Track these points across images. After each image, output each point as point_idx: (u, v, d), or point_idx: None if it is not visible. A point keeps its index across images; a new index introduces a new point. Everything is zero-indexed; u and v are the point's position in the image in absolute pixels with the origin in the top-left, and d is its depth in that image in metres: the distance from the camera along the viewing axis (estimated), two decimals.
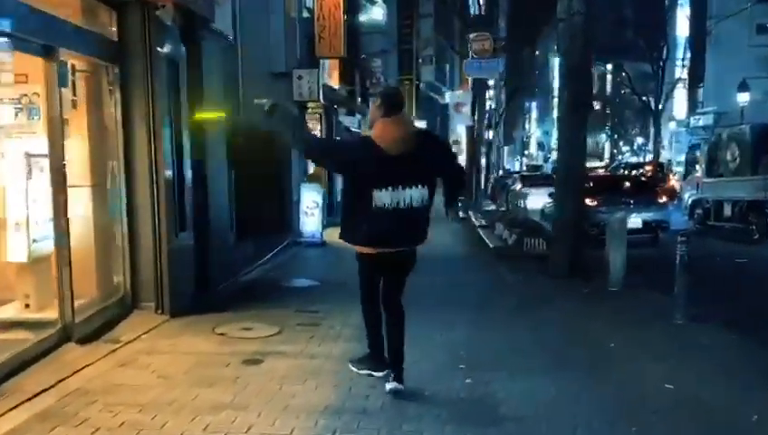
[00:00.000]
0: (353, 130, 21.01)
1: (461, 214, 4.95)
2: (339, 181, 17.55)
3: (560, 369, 4.64)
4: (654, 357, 4.95)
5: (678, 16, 42.14)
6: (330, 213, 16.29)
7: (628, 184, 14.16)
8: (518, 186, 21.62)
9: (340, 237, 4.24)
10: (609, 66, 61.49)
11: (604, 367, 4.72)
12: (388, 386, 4.08)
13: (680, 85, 42.13)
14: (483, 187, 24.52)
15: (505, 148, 59.64)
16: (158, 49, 5.86)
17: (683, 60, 41.52)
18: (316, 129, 15.51)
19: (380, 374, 4.23)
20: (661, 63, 39.23)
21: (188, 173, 6.66)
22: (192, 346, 5.10)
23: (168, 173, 6.03)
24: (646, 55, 41.14)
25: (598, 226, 9.79)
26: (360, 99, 22.93)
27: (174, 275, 6.06)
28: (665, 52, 39.07)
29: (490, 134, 30.89)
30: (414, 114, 32.95)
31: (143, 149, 5.83)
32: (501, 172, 34.72)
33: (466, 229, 15.01)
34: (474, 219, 15.70)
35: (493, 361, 4.85)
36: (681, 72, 40.67)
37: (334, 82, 15.99)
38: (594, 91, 76.09)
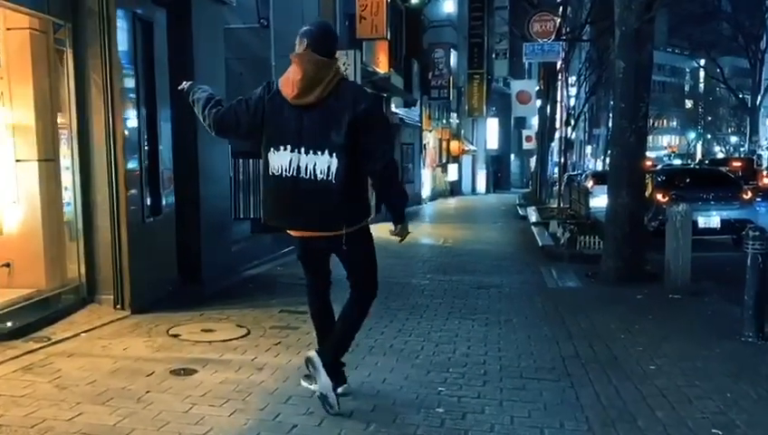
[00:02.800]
0: (409, 122, 20.05)
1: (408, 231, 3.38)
2: None
3: (573, 408, 3.48)
4: (703, 388, 3.70)
5: None
6: (377, 209, 15.45)
7: (706, 179, 12.43)
8: (589, 183, 20.00)
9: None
10: (702, 62, 57.64)
11: (632, 401, 3.53)
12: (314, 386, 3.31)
13: None
14: (550, 186, 22.88)
15: (588, 147, 56.99)
16: (120, 5, 5.09)
17: None
18: None
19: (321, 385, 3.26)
20: (760, 57, 36.26)
21: (166, 155, 5.89)
22: (126, 349, 4.29)
23: (131, 152, 5.26)
24: (742, 49, 38.26)
25: (659, 220, 8.38)
26: (420, 91, 21.96)
27: (138, 265, 5.29)
28: (764, 44, 36.07)
29: (568, 131, 29.00)
30: (484, 111, 31.62)
31: (99, 123, 5.08)
32: (574, 171, 32.75)
33: (519, 227, 13.73)
34: (530, 217, 14.37)
35: (479, 384, 3.76)
36: None
37: (382, 68, 15.05)
38: (686, 89, 72.15)
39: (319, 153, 2.99)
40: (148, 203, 5.57)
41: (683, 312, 5.78)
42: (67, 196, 5.15)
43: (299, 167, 2.99)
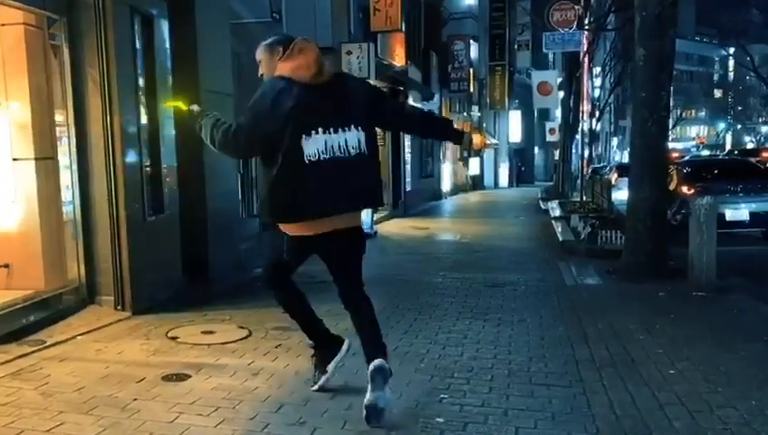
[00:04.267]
0: None
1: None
2: (406, 166, 16.44)
3: (584, 417, 3.26)
4: (726, 395, 3.44)
5: None
6: (395, 204, 15.23)
7: (734, 170, 11.97)
8: (614, 175, 19.55)
9: (267, 220, 3.22)
10: (732, 50, 56.23)
11: (648, 410, 3.29)
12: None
13: None
14: (573, 179, 22.41)
15: (614, 139, 56.05)
16: None
17: None
18: None
19: (345, 347, 3.43)
20: None
21: (169, 152, 5.75)
22: (121, 353, 4.16)
23: (130, 149, 5.13)
24: None
25: (683, 213, 8.05)
26: (439, 85, 21.65)
27: (140, 265, 5.17)
28: None
29: (593, 123, 28.35)
30: (507, 104, 31.15)
31: (97, 121, 4.96)
32: (600, 163, 32.12)
33: (541, 221, 13.41)
34: (552, 211, 14.04)
35: (484, 391, 3.54)
36: None
37: (399, 61, 14.81)
38: (715, 78, 70.50)
39: (347, 129, 3.01)
40: (150, 201, 5.44)
41: (707, 310, 5.49)
42: (66, 195, 5.04)
43: (333, 147, 2.97)
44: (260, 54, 3.23)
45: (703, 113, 69.87)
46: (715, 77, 71.22)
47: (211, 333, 4.69)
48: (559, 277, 7.29)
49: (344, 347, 3.43)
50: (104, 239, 5.07)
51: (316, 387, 3.44)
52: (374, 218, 11.45)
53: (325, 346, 3.45)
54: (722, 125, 66.17)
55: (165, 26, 5.69)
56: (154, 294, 5.38)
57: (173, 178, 5.83)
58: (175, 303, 5.43)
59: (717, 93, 69.06)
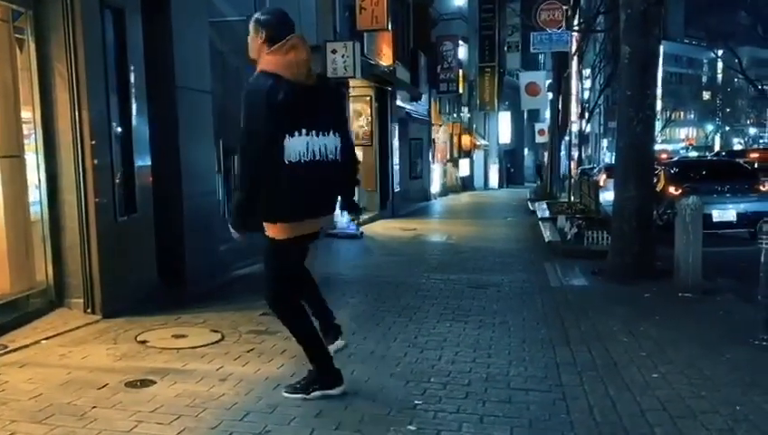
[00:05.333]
0: (416, 117, 19.66)
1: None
2: (394, 167, 16.31)
3: (562, 425, 3.13)
4: (710, 400, 3.32)
5: None
6: (383, 205, 15.08)
7: (721, 170, 11.92)
8: (602, 176, 19.50)
9: (239, 228, 3.14)
10: (720, 52, 56.59)
11: (629, 416, 3.16)
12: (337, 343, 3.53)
13: None
14: (561, 180, 22.35)
15: (604, 140, 56.19)
16: None
17: None
18: (366, 112, 14.27)
19: (338, 391, 3.28)
20: None
21: (142, 150, 5.59)
22: (85, 358, 4.00)
23: (100, 147, 4.96)
24: (761, 38, 37.40)
25: (669, 213, 7.97)
26: (428, 85, 21.54)
27: (110, 266, 5.01)
28: None
29: (583, 124, 28.34)
30: (496, 105, 31.08)
31: (65, 118, 4.79)
32: (590, 165, 32.10)
33: (529, 222, 13.31)
34: (539, 212, 13.94)
35: (460, 397, 3.41)
36: None
37: (386, 61, 14.68)
38: (703, 80, 70.82)
39: (328, 134, 3.02)
40: (122, 201, 5.28)
41: (692, 312, 5.39)
42: (34, 194, 4.87)
43: (314, 151, 2.96)
44: (250, 29, 3.13)
45: (692, 115, 70.19)
46: (704, 79, 71.54)
47: (182, 336, 4.54)
48: (544, 278, 7.18)
49: (338, 391, 3.31)
50: (73, 240, 4.90)
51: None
52: (361, 219, 11.32)
53: (323, 369, 3.28)
54: (710, 127, 66.49)
55: (137, 20, 5.53)
56: (126, 296, 5.21)
57: (146, 176, 5.67)
58: (148, 305, 5.26)
59: (706, 95, 69.37)
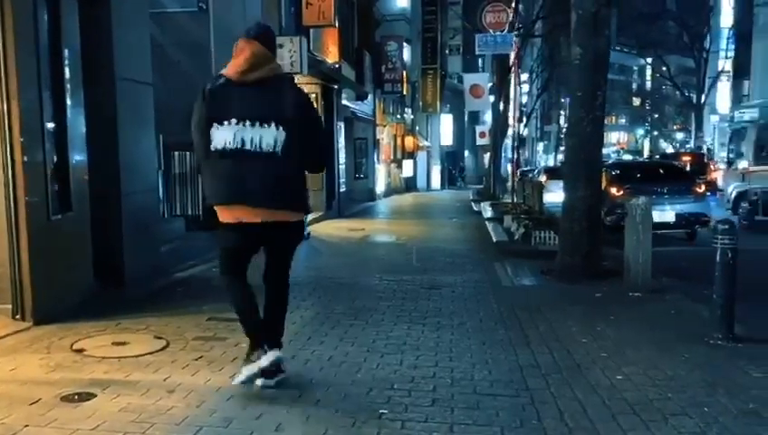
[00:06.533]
0: (361, 116, 19.50)
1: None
2: (340, 166, 16.11)
3: (535, 431, 3.02)
4: (678, 402, 3.29)
5: (723, 5, 39.75)
6: (329, 205, 14.84)
7: (660, 172, 12.27)
8: (542, 178, 19.85)
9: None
10: (650, 60, 58.85)
11: (601, 420, 3.09)
12: (259, 382, 3.33)
13: (723, 78, 39.79)
14: (503, 181, 22.66)
15: (540, 143, 57.53)
16: None
17: (726, 51, 39.19)
18: None
19: (255, 357, 3.37)
20: (704, 55, 37.01)
21: (78, 145, 5.21)
22: (15, 370, 3.65)
23: (31, 142, 4.57)
24: (687, 48, 39.01)
25: (616, 214, 8.11)
26: (373, 85, 21.42)
27: (42, 268, 4.63)
28: (708, 43, 36.81)
29: (521, 127, 28.83)
30: (438, 107, 31.27)
31: None
32: (527, 167, 32.70)
33: (474, 222, 13.36)
34: (485, 212, 14.03)
35: (427, 404, 3.27)
36: (724, 65, 38.27)
37: (332, 58, 14.46)
38: (633, 87, 73.55)
39: (266, 125, 3.09)
40: (55, 199, 4.89)
41: (645, 312, 5.42)
42: None
43: (243, 139, 3.08)
44: None
45: (623, 120, 72.84)
46: (634, 86, 74.29)
47: (123, 344, 4.22)
48: (495, 278, 7.15)
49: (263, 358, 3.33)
50: (1, 240, 4.50)
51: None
52: (308, 220, 11.06)
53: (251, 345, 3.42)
54: (641, 131, 69.12)
55: (74, 7, 5.15)
56: (60, 301, 4.84)
57: (83, 173, 5.29)
58: (84, 311, 4.91)
59: (636, 101, 72.10)
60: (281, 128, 3.10)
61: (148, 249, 6.34)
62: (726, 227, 4.40)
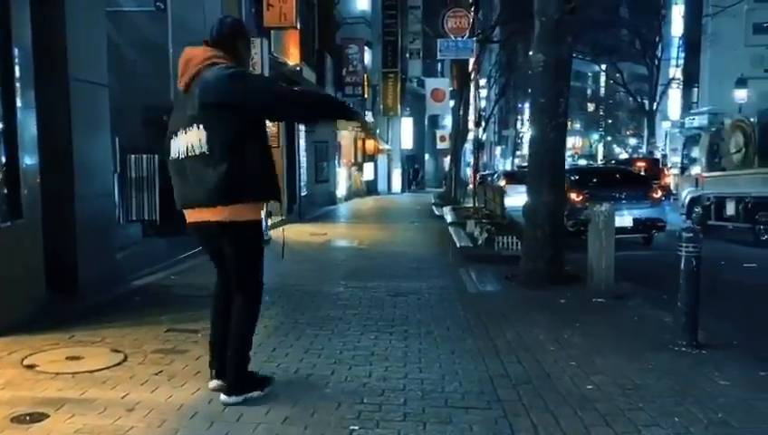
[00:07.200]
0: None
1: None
2: (301, 170, 15.95)
3: None
4: (649, 412, 3.30)
5: (674, 15, 40.97)
6: (290, 209, 14.66)
7: (617, 178, 12.51)
8: (502, 182, 20.06)
9: None
10: (603, 66, 60.25)
11: (575, 433, 3.06)
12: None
13: (674, 85, 41.01)
14: (465, 184, 22.84)
15: (498, 148, 58.22)
16: None
17: (677, 59, 40.42)
18: None
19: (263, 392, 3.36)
20: (656, 63, 37.99)
21: (29, 148, 4.96)
22: None
23: None
24: (640, 55, 39.96)
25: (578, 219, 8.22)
26: (334, 88, 21.29)
27: None
28: (659, 51, 37.82)
29: (480, 132, 29.14)
30: (399, 110, 31.31)
31: None
32: (485, 171, 33.05)
33: (436, 227, 13.37)
34: (447, 217, 14.06)
35: (398, 418, 3.19)
36: (675, 72, 39.47)
37: (293, 60, 14.29)
38: (588, 92, 75.16)
39: (191, 128, 3.13)
40: (4, 204, 4.65)
41: (609, 318, 5.47)
42: None
43: (186, 146, 3.16)
44: None
45: (578, 125, 74.30)
46: (589, 91, 75.87)
47: (78, 358, 4.02)
48: (460, 284, 7.12)
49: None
50: None
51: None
52: (268, 223, 10.87)
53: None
54: (595, 136, 70.62)
55: (25, 6, 4.91)
56: (9, 313, 4.59)
57: (34, 177, 5.04)
58: (36, 323, 4.68)
59: (590, 107, 73.65)
60: (201, 127, 3.08)
61: (103, 256, 6.11)
62: (691, 235, 4.46)
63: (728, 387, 3.66)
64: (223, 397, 3.25)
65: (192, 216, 3.24)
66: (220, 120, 3.06)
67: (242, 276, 3.27)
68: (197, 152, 3.09)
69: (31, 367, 3.82)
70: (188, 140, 3.12)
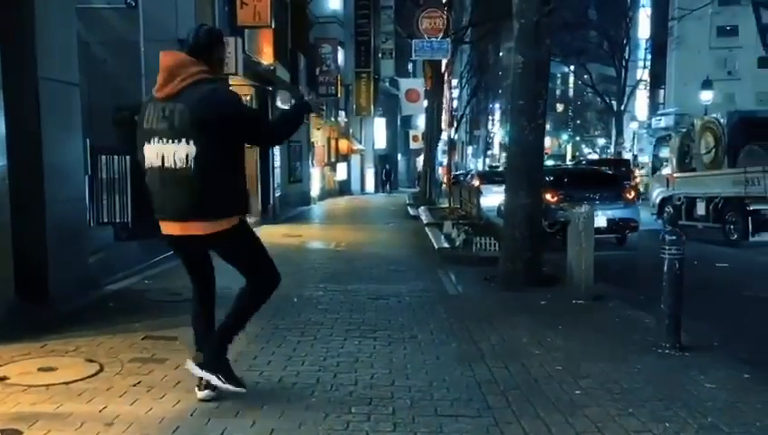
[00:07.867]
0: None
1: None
2: (275, 171, 15.78)
3: None
4: (639, 418, 3.28)
5: (641, 18, 41.71)
6: (264, 210, 14.48)
7: (590, 179, 12.63)
8: (475, 182, 20.10)
9: None
10: (572, 67, 61.02)
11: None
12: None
13: (641, 86, 41.73)
14: (439, 184, 22.87)
15: (469, 148, 58.56)
16: None
17: (644, 61, 41.17)
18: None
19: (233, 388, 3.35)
20: (624, 64, 38.59)
21: None
22: None
23: None
24: (608, 56, 40.54)
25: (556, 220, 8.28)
26: (307, 87, 21.12)
27: None
28: (627, 53, 38.42)
29: (452, 132, 29.20)
30: (372, 110, 31.25)
31: None
32: (457, 171, 33.22)
33: (412, 227, 13.34)
34: (423, 217, 14.04)
35: (388, 429, 3.12)
36: (642, 74, 40.17)
37: (266, 59, 14.12)
38: (557, 93, 76.07)
39: (176, 141, 3.06)
40: None
41: (591, 320, 5.47)
42: None
43: (163, 156, 3.10)
44: None
45: (548, 126, 75.05)
46: (558, 92, 76.73)
47: (51, 369, 3.86)
48: (440, 286, 7.09)
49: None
50: None
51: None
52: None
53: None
54: (564, 136, 71.47)
55: None
56: None
57: (2, 179, 4.86)
58: (5, 331, 4.49)
59: (560, 107, 74.50)
60: (191, 142, 3.04)
61: (75, 261, 5.93)
62: (674, 237, 4.47)
63: (715, 390, 3.67)
64: (193, 366, 3.29)
65: (168, 228, 3.24)
66: (210, 140, 3.06)
67: (250, 268, 3.39)
68: (178, 166, 3.06)
69: (1, 380, 3.66)
70: (172, 153, 3.06)
